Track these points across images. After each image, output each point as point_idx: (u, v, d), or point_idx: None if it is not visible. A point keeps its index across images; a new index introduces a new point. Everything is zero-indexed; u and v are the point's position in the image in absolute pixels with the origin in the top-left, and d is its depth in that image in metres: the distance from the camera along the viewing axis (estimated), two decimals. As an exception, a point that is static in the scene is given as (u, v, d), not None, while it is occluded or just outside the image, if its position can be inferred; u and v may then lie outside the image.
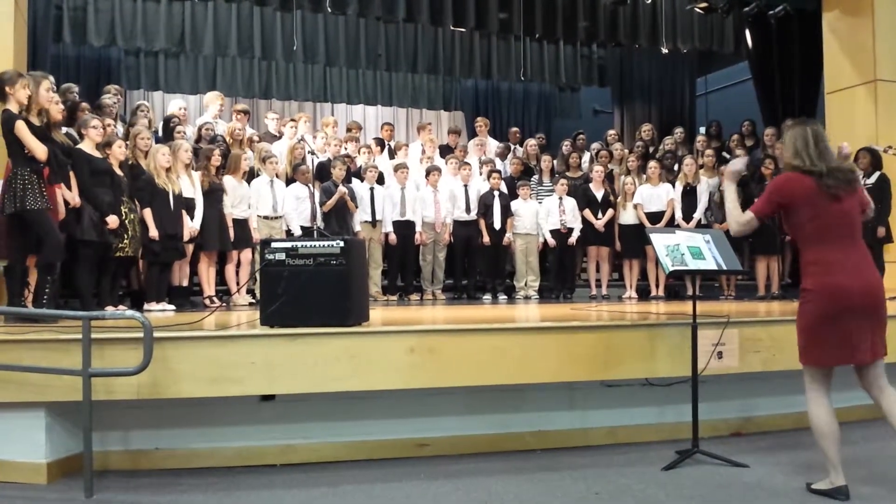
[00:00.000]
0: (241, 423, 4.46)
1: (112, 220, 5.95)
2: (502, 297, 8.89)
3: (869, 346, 3.61)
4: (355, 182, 8.54)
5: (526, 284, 8.94)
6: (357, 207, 8.29)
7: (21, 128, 4.92)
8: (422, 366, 4.27)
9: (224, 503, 3.76)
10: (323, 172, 8.34)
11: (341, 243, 4.26)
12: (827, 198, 3.62)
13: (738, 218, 3.98)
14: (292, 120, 9.43)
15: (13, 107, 4.98)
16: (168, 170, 6.74)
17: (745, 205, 4.26)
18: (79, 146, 6.02)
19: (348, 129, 9.81)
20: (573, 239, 8.86)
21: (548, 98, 13.93)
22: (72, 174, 5.78)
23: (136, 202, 6.49)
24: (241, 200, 7.57)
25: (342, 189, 8.05)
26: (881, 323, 3.67)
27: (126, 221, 6.20)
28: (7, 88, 4.98)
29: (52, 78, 5.58)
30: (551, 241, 8.87)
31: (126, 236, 6.20)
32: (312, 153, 7.16)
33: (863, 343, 3.60)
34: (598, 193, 8.95)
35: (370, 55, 11.52)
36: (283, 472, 4.31)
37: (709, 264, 4.43)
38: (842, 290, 3.56)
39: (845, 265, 3.60)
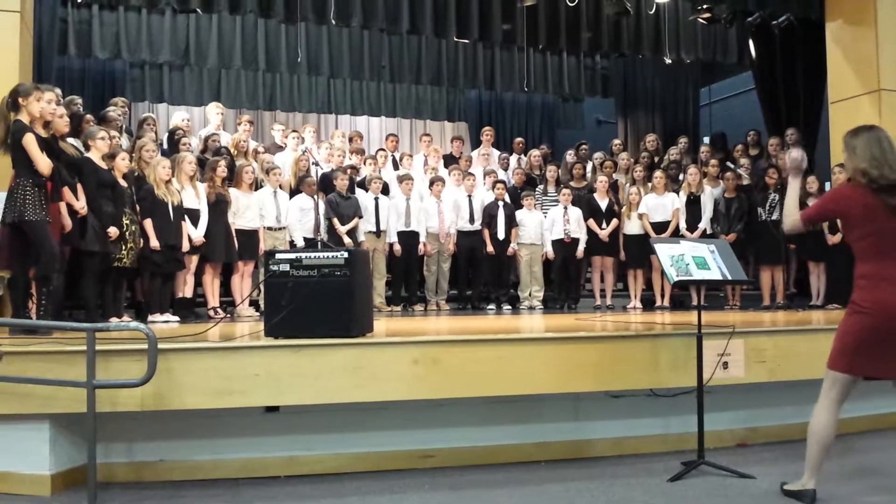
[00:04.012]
0: (245, 435, 4.45)
1: (112, 232, 5.98)
2: (506, 307, 8.88)
3: None
4: (359, 192, 8.55)
5: (530, 295, 8.93)
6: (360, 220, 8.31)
7: (29, 140, 4.95)
8: (426, 377, 4.26)
9: (228, 515, 3.75)
10: (327, 183, 8.36)
11: (345, 254, 4.26)
12: (887, 213, 3.50)
13: (790, 217, 3.89)
14: (294, 131, 9.46)
15: (24, 118, 5.01)
16: (168, 181, 6.77)
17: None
18: (87, 156, 6.07)
19: (351, 140, 9.84)
20: (580, 251, 8.85)
21: (551, 108, 13.94)
22: (78, 184, 5.83)
23: (138, 213, 6.52)
24: (245, 211, 7.58)
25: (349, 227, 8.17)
26: None
27: (126, 233, 6.22)
28: (21, 100, 5.01)
29: (58, 90, 5.61)
30: (550, 254, 8.87)
31: (125, 247, 6.21)
32: (317, 164, 7.18)
33: None
34: (603, 203, 8.96)
35: (374, 66, 11.54)
36: (288, 483, 4.29)
37: (713, 274, 4.42)
38: (891, 307, 3.48)
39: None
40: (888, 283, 3.51)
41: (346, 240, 8.03)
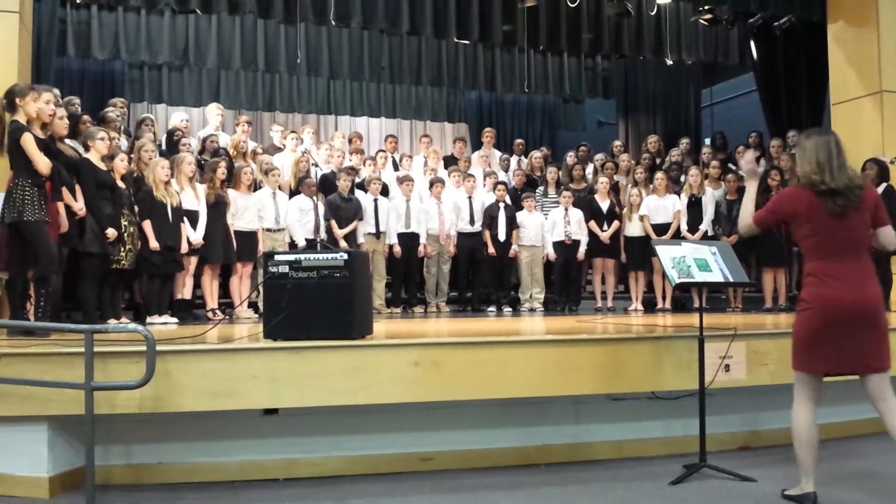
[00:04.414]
0: (243, 438, 4.43)
1: (110, 233, 5.96)
2: (507, 309, 8.86)
3: (860, 358, 3.64)
4: (359, 193, 8.53)
5: (531, 297, 8.91)
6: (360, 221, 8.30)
7: (28, 140, 4.93)
8: (426, 379, 4.23)
9: (226, 518, 3.73)
10: (327, 185, 8.34)
11: (345, 256, 4.23)
12: (831, 215, 3.60)
13: (744, 221, 4.04)
14: (293, 132, 9.44)
15: (21, 118, 4.99)
16: (167, 182, 6.75)
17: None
18: (86, 156, 6.05)
19: (350, 141, 9.83)
20: (581, 253, 8.84)
21: (552, 110, 13.93)
22: (77, 185, 5.81)
23: (137, 214, 6.50)
24: (244, 212, 7.56)
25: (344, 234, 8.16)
26: (877, 336, 3.67)
27: (125, 234, 6.20)
28: (18, 100, 5.00)
29: (56, 91, 5.59)
30: (552, 256, 8.85)
31: (123, 248, 6.19)
32: (316, 165, 7.16)
33: (852, 355, 3.63)
34: (604, 205, 8.94)
35: (374, 67, 11.52)
36: (287, 486, 4.27)
37: (715, 276, 4.40)
38: (836, 302, 3.59)
39: (842, 278, 3.61)
40: (832, 280, 3.61)
41: (342, 244, 8.02)
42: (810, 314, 3.67)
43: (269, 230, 7.79)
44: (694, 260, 4.37)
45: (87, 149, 6.15)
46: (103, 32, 10.06)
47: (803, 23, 9.95)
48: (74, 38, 9.91)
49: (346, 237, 8.14)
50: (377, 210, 8.47)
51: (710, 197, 8.76)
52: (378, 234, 8.48)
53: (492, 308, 8.82)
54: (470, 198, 8.95)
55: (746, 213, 4.02)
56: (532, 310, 8.80)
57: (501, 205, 8.84)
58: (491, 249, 8.78)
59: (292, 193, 8.28)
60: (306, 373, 4.09)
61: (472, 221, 8.87)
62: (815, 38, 9.69)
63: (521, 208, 9.00)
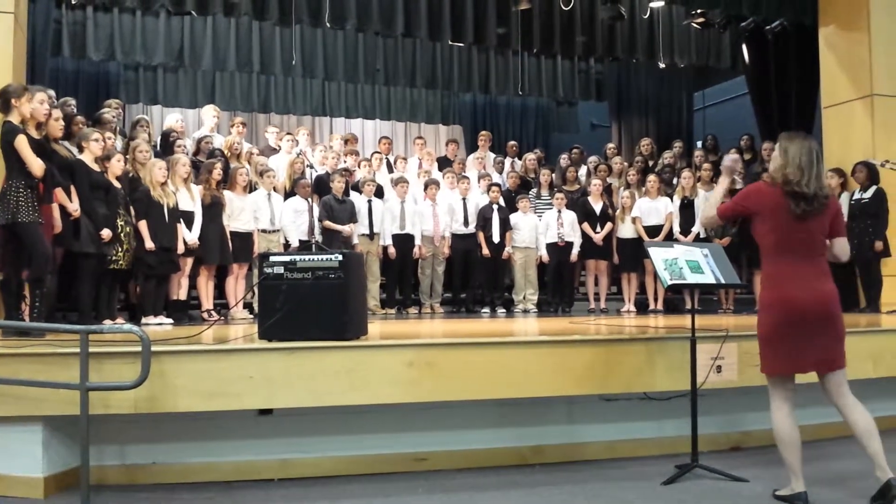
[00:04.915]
0: (238, 438, 4.44)
1: (105, 234, 5.97)
2: (501, 310, 8.88)
3: (820, 356, 3.72)
4: (354, 195, 8.55)
5: (525, 298, 8.94)
6: (354, 226, 8.31)
7: (21, 142, 4.93)
8: (420, 380, 4.25)
9: (221, 518, 3.74)
10: (321, 186, 8.36)
11: (339, 257, 4.25)
12: (792, 216, 3.68)
13: (707, 212, 4.12)
14: (288, 134, 9.45)
15: (15, 119, 5.00)
16: (164, 183, 6.76)
17: None
18: (80, 157, 6.05)
19: (345, 142, 9.84)
20: (574, 254, 8.87)
21: (545, 112, 13.97)
22: (72, 186, 5.81)
23: (133, 214, 6.51)
24: (240, 213, 7.57)
25: (348, 230, 8.16)
26: (835, 334, 3.75)
27: (121, 234, 6.21)
28: (12, 101, 5.00)
29: (51, 92, 5.60)
30: (545, 258, 8.88)
31: (119, 249, 6.20)
32: (311, 167, 7.17)
33: (813, 353, 3.71)
34: (597, 207, 8.98)
35: (369, 69, 11.55)
36: (282, 486, 4.28)
37: (707, 278, 4.43)
38: (792, 302, 3.66)
39: (797, 278, 3.69)
40: (789, 280, 3.69)
41: (345, 230, 8.07)
42: (769, 315, 3.75)
43: (264, 231, 7.81)
44: (686, 262, 4.40)
45: (81, 150, 6.16)
46: (98, 33, 10.07)
47: (795, 26, 10.00)
48: (69, 39, 9.92)
49: (341, 240, 8.13)
50: (371, 211, 8.49)
51: (703, 199, 8.78)
52: (372, 236, 8.50)
53: (486, 309, 8.85)
54: (464, 199, 8.98)
55: (711, 205, 4.07)
56: (526, 311, 8.83)
57: (495, 206, 8.87)
58: (485, 251, 8.80)
59: (287, 195, 8.30)
60: (301, 373, 4.10)
61: (466, 223, 8.90)
62: (807, 42, 9.73)
63: (514, 210, 9.03)
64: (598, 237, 8.87)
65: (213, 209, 7.26)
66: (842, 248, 3.87)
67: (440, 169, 9.72)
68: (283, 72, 11.14)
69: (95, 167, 6.10)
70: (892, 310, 7.55)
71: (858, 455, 3.82)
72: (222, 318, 7.10)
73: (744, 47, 11.13)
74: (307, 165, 8.21)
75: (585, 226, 8.91)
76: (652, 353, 4.66)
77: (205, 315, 7.24)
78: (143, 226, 6.54)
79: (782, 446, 3.77)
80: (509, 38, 10.47)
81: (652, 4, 10.66)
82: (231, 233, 7.43)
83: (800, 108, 10.29)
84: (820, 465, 4.42)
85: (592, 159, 10.45)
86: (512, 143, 11.22)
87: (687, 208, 8.76)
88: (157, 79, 11.16)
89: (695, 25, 10.65)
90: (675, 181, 9.33)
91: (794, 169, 3.69)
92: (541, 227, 8.96)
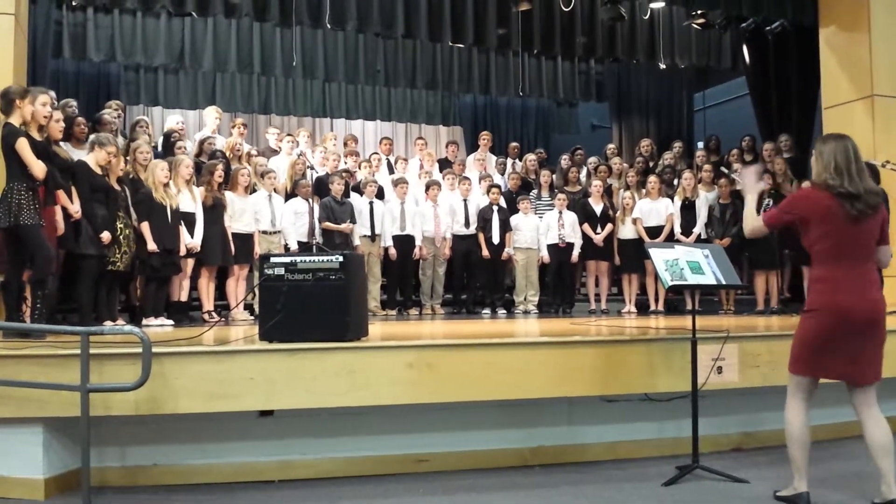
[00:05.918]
0: (239, 439, 4.44)
1: (105, 236, 5.96)
2: (501, 311, 8.88)
3: (864, 366, 3.66)
4: (354, 196, 8.55)
5: (525, 299, 8.93)
6: (354, 225, 8.30)
7: (23, 144, 4.93)
8: (421, 381, 4.26)
9: (222, 520, 3.75)
10: (322, 187, 8.36)
11: (340, 258, 4.25)
12: (847, 219, 3.59)
13: (752, 223, 4.01)
14: (289, 135, 9.45)
15: (16, 121, 5.00)
16: (166, 185, 6.76)
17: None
18: (81, 160, 6.05)
19: (345, 143, 9.84)
20: (575, 255, 8.87)
21: (546, 113, 13.96)
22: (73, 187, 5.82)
23: (135, 216, 6.50)
24: (241, 214, 7.57)
25: (348, 227, 8.16)
26: (878, 344, 3.70)
27: (120, 237, 6.20)
28: (17, 102, 5.00)
29: (52, 93, 5.59)
30: (546, 258, 8.88)
31: (118, 251, 6.20)
32: (312, 168, 7.17)
33: (858, 363, 3.65)
34: (597, 208, 8.97)
35: (369, 71, 11.55)
36: (282, 488, 4.29)
37: (708, 279, 4.43)
38: (845, 310, 3.59)
39: (851, 285, 3.62)
40: (842, 286, 3.62)
41: (346, 227, 8.08)
42: (819, 320, 3.66)
43: (265, 232, 7.80)
44: (687, 262, 4.40)
45: (91, 148, 6.14)
46: (99, 35, 10.07)
47: (795, 27, 9.99)
48: (70, 40, 9.92)
49: (341, 240, 8.13)
50: (372, 212, 8.49)
51: (704, 200, 8.81)
52: (373, 237, 8.50)
53: (486, 310, 8.84)
54: (465, 200, 8.98)
55: (751, 215, 4.02)
56: (526, 312, 8.83)
57: (495, 207, 8.86)
58: (485, 252, 8.80)
59: (288, 196, 8.30)
60: (302, 375, 4.11)
61: (467, 224, 8.89)
62: (807, 43, 9.72)
63: (515, 211, 9.03)
64: (598, 238, 8.86)
65: (215, 210, 7.26)
66: (885, 255, 3.80)
67: (441, 170, 9.72)
68: (283, 73, 11.14)
69: (97, 170, 6.09)
70: (892, 310, 7.53)
71: (861, 456, 3.82)
72: (223, 319, 7.10)
73: (744, 48, 11.13)
74: (308, 166, 8.21)
75: (586, 227, 8.91)
76: (653, 354, 4.66)
77: (205, 316, 7.24)
78: (145, 228, 6.52)
79: (792, 445, 3.76)
80: (510, 38, 10.48)
81: (652, 5, 10.65)
82: (232, 234, 7.43)
83: (800, 109, 10.29)
84: (821, 465, 4.41)
85: (592, 160, 10.44)
86: (513, 144, 11.21)
87: (688, 209, 8.76)
88: (157, 80, 11.15)
89: (695, 26, 10.64)
90: (675, 182, 9.32)
91: (831, 171, 3.63)
92: (542, 228, 8.95)
